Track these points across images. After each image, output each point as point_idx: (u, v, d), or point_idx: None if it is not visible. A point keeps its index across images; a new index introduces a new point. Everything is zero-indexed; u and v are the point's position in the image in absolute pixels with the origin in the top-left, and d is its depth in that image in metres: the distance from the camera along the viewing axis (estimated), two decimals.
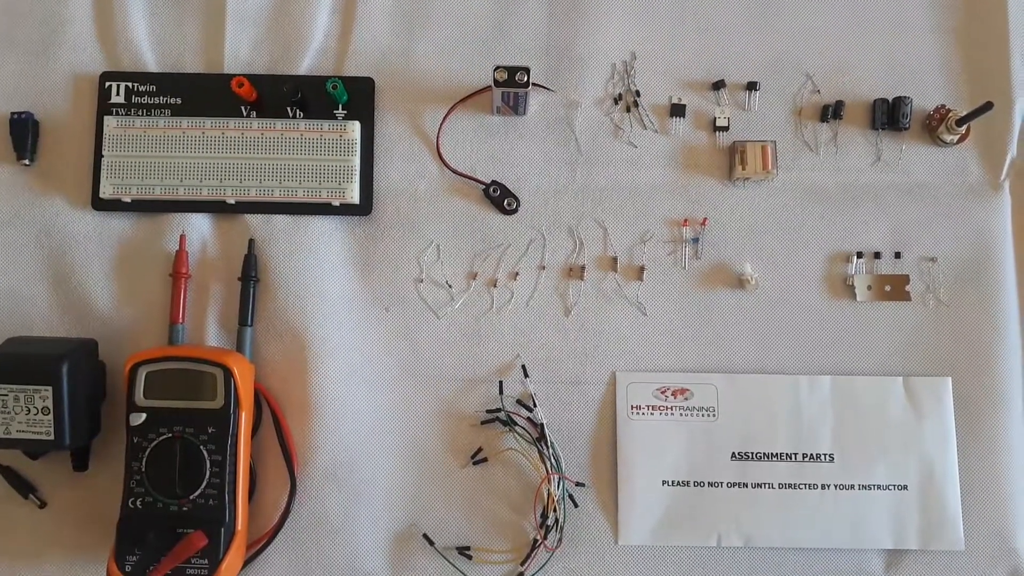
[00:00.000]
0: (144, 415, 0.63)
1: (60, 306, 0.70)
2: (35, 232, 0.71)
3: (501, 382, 0.71)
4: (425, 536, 0.69)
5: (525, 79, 0.69)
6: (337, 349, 0.70)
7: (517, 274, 0.73)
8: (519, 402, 0.70)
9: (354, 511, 0.69)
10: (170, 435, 0.63)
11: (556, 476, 0.68)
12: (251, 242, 0.71)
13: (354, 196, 0.72)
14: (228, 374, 0.64)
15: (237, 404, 0.64)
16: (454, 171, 0.73)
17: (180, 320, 0.70)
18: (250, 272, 0.70)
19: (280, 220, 0.72)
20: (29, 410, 0.62)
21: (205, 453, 0.63)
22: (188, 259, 0.71)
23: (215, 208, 0.72)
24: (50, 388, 0.62)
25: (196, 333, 0.70)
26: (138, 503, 0.63)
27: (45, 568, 0.68)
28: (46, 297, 0.70)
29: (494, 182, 0.73)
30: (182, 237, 0.71)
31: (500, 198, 0.73)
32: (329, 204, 0.72)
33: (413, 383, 0.71)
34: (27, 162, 0.72)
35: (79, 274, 0.71)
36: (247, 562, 0.66)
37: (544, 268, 0.73)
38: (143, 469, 0.63)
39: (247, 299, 0.70)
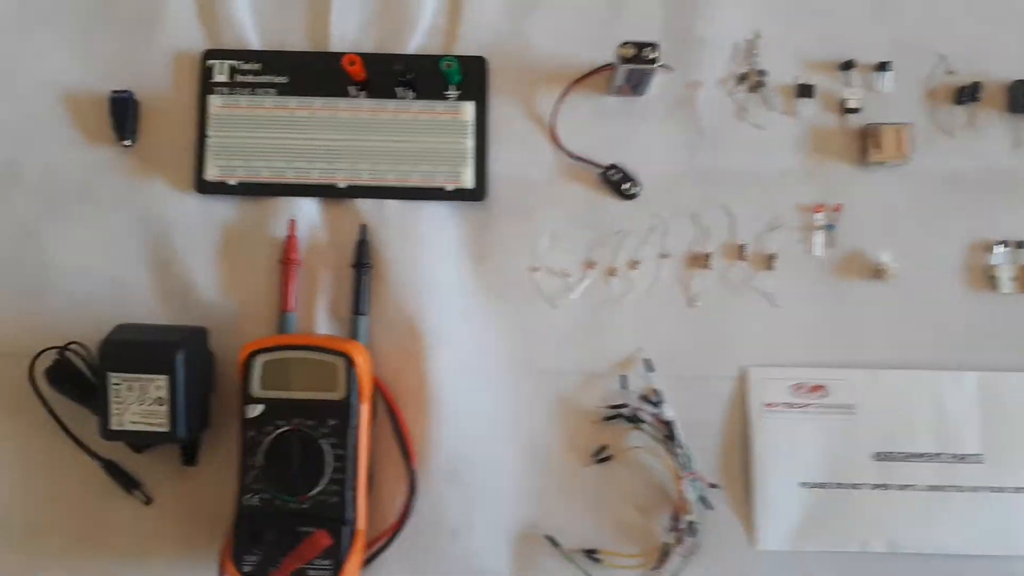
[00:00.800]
0: (261, 407, 0.60)
1: (163, 293, 0.67)
2: (136, 216, 0.68)
3: (624, 376, 0.67)
4: (548, 538, 0.65)
5: (653, 56, 0.65)
6: (451, 340, 0.67)
7: (637, 263, 0.69)
8: (643, 398, 0.67)
9: (473, 510, 0.65)
10: (288, 428, 0.60)
11: (689, 476, 0.64)
12: (363, 227, 0.68)
13: (468, 180, 0.68)
14: (350, 363, 0.61)
15: (359, 395, 0.61)
16: (570, 154, 0.70)
17: (292, 308, 0.66)
18: (364, 259, 0.67)
19: (392, 205, 0.68)
20: (143, 400, 0.59)
21: (326, 447, 0.60)
22: (298, 245, 0.67)
23: (324, 192, 0.68)
24: (166, 377, 0.58)
25: (305, 322, 0.67)
26: (255, 500, 0.60)
27: (151, 567, 0.64)
28: (148, 283, 0.67)
29: (612, 166, 0.69)
30: (292, 221, 0.67)
31: (619, 182, 0.69)
32: (442, 189, 0.68)
33: (530, 377, 0.67)
34: (127, 143, 0.69)
35: (183, 260, 0.68)
36: (364, 563, 0.63)
37: (666, 256, 0.69)
38: (260, 464, 0.60)
39: (361, 287, 0.67)
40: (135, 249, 0.68)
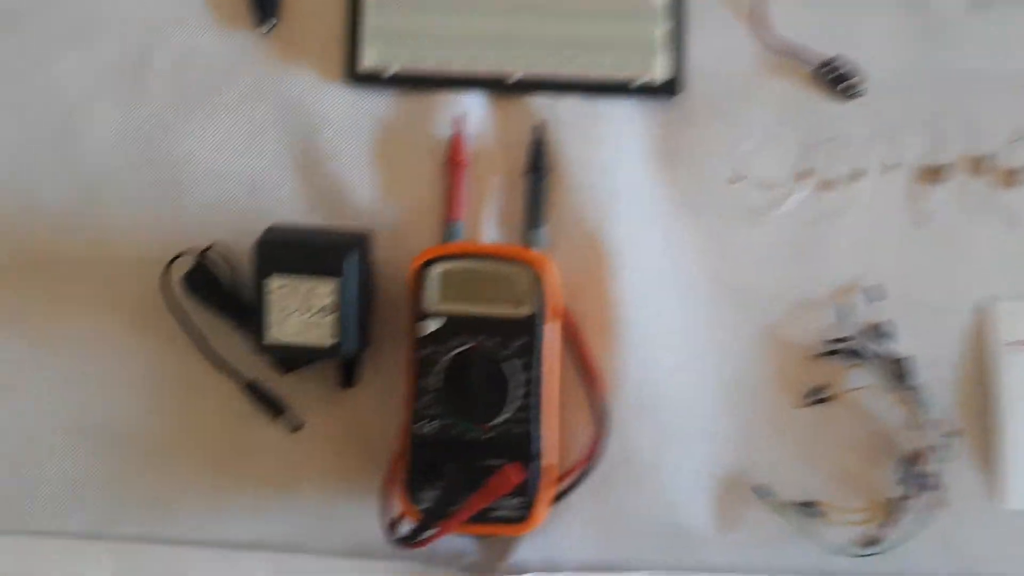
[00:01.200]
0: (438, 322, 0.52)
1: (309, 196, 0.59)
2: (280, 109, 0.60)
3: (842, 306, 0.57)
4: (756, 487, 0.56)
5: None
6: (638, 257, 0.58)
7: (858, 174, 0.59)
8: (867, 331, 0.57)
9: (668, 452, 0.56)
10: (469, 346, 0.52)
11: (927, 422, 0.55)
12: (539, 127, 0.59)
13: (659, 74, 0.59)
14: (538, 276, 0.52)
15: (546, 312, 0.52)
16: (781, 45, 0.59)
17: (459, 217, 0.58)
18: (540, 163, 0.58)
19: (570, 102, 0.59)
20: (307, 309, 0.51)
21: (511, 370, 0.51)
22: (466, 145, 0.59)
23: (494, 86, 0.59)
24: (335, 282, 0.50)
25: (472, 234, 0.58)
26: (429, 427, 0.52)
27: (298, 499, 0.57)
28: (293, 186, 0.59)
29: (830, 59, 0.59)
30: (461, 118, 0.59)
31: (838, 79, 0.59)
32: (628, 84, 0.59)
33: (730, 301, 0.58)
34: (269, 27, 0.60)
35: (332, 160, 0.59)
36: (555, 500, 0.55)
37: (892, 168, 0.59)
38: (436, 387, 0.51)
39: (538, 194, 0.58)
40: (278, 147, 0.60)
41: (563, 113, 0.59)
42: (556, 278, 0.54)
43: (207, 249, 0.56)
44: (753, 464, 0.57)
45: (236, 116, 0.60)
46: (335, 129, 0.59)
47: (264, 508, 0.57)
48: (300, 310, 0.51)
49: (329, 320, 0.51)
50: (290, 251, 0.51)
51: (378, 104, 0.60)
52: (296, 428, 0.57)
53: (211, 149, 0.60)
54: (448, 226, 0.58)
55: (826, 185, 0.59)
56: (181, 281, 0.56)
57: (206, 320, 0.57)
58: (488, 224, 0.59)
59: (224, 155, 0.60)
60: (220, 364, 0.57)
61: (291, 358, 0.55)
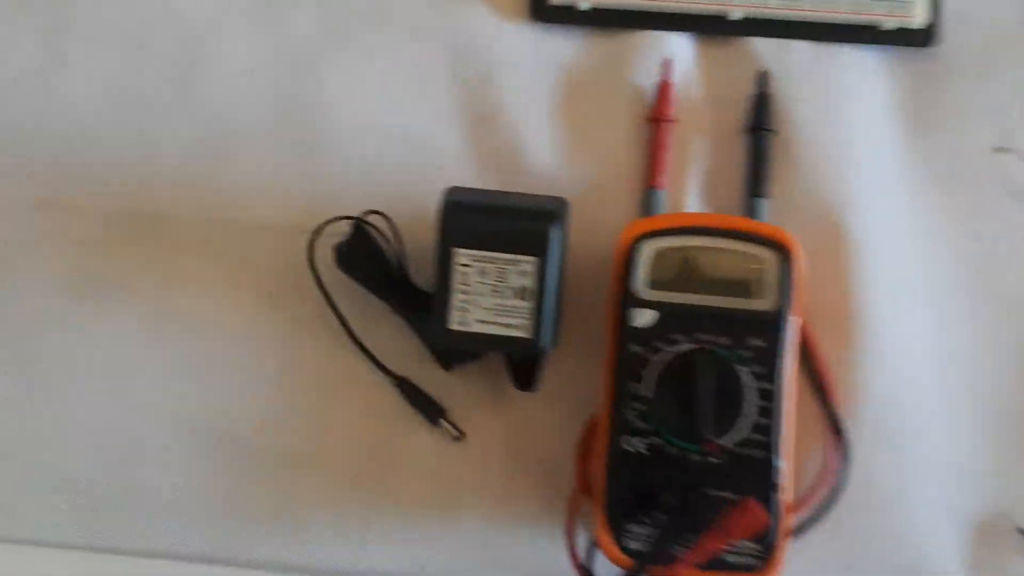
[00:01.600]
0: (654, 314, 0.42)
1: (479, 156, 0.49)
2: (448, 51, 0.50)
3: None
4: (1021, 530, 0.45)
5: None
6: (883, 243, 0.47)
7: None
8: None
9: (915, 485, 0.46)
10: (694, 347, 0.41)
11: None
12: (764, 75, 0.48)
13: (918, 16, 0.48)
14: (785, 260, 0.42)
15: (793, 307, 0.42)
16: None
17: (662, 184, 0.48)
18: (764, 120, 0.48)
19: (801, 48, 0.49)
20: (500, 291, 0.41)
21: (747, 378, 0.41)
22: (674, 97, 0.48)
23: (708, 26, 0.49)
24: (535, 261, 0.40)
25: (673, 205, 0.48)
26: (637, 445, 0.42)
27: (460, 524, 0.47)
28: (459, 142, 0.49)
29: None
30: (668, 62, 0.48)
31: None
32: (876, 27, 0.48)
33: (995, 304, 0.47)
34: None
35: (509, 111, 0.49)
36: None
37: None
38: (649, 395, 0.42)
39: (761, 159, 0.47)
40: (444, 95, 0.50)
41: (793, 61, 0.48)
42: (802, 264, 0.43)
43: (369, 214, 0.47)
44: (1019, 503, 0.46)
45: (394, 58, 0.50)
46: (513, 75, 0.49)
47: (415, 534, 0.48)
48: (490, 293, 0.41)
49: (525, 307, 0.41)
50: (483, 220, 0.41)
51: (567, 46, 0.50)
52: (458, 437, 0.48)
53: (362, 96, 0.50)
54: (647, 195, 0.48)
55: None
56: (334, 252, 0.47)
57: (355, 302, 0.48)
58: (692, 194, 0.48)
59: (378, 104, 0.50)
60: (369, 355, 0.48)
61: (469, 351, 0.45)
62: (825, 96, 0.48)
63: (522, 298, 0.41)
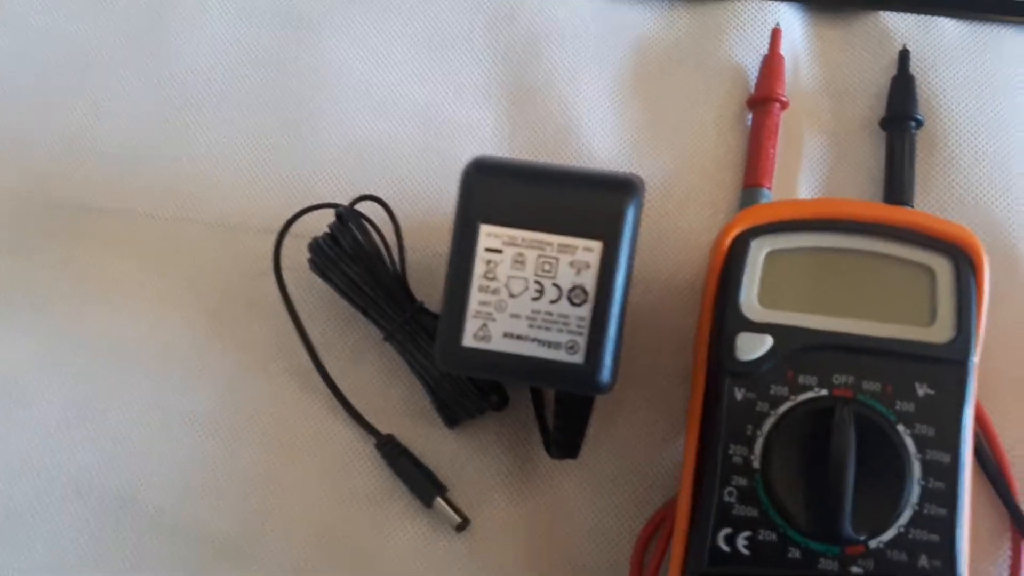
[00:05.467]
0: (768, 341, 0.28)
1: (520, 140, 0.37)
2: (483, 12, 0.39)
3: None
4: None
5: None
6: None
7: None
8: None
9: None
10: (828, 394, 0.27)
11: None
12: (904, 54, 0.36)
13: None
14: (966, 271, 0.28)
15: (979, 337, 0.28)
16: None
17: (765, 182, 0.35)
18: (907, 108, 0.35)
19: (948, 27, 0.37)
20: (542, 289, 0.27)
21: (911, 444, 0.27)
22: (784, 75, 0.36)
23: None
24: (600, 248, 0.27)
25: None
26: (740, 543, 0.27)
27: None
28: (494, 122, 0.38)
29: None
30: (776, 32, 0.36)
31: None
32: None
33: None
34: None
35: (560, 88, 0.37)
36: None
37: None
38: (759, 464, 0.27)
39: (903, 156, 0.35)
40: (476, 67, 0.38)
41: (937, 41, 0.37)
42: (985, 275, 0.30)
43: (361, 201, 0.34)
44: None
45: (415, 17, 0.39)
46: (570, 48, 0.38)
47: None
48: (528, 295, 0.27)
49: (580, 318, 0.27)
50: (524, 188, 0.27)
51: (641, 15, 0.38)
52: (461, 525, 0.33)
53: (366, 61, 0.39)
54: (746, 196, 0.35)
55: None
56: (309, 251, 0.34)
57: (332, 328, 0.35)
58: (800, 196, 0.35)
59: (388, 72, 0.38)
60: (343, 402, 0.34)
61: (488, 390, 0.31)
62: (981, 83, 0.36)
63: (575, 303, 0.27)
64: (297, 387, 0.35)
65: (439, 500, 0.33)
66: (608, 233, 0.27)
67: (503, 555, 0.33)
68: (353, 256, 0.33)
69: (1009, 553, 0.31)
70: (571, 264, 0.27)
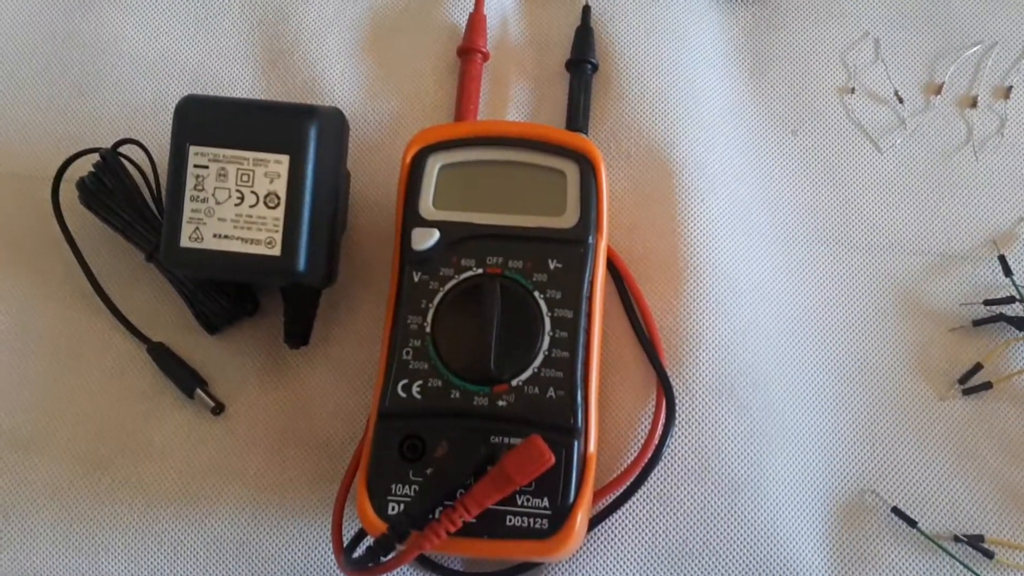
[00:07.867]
0: (435, 234, 0.35)
1: (273, 94, 0.43)
2: None
3: (1003, 257, 0.41)
4: (898, 511, 0.38)
5: None
6: (715, 184, 0.42)
7: (1010, 89, 0.44)
8: None
9: (761, 457, 0.38)
10: (482, 272, 0.35)
11: None
12: (587, 9, 0.44)
13: None
14: (588, 172, 0.36)
15: (599, 225, 0.36)
16: None
17: (470, 118, 0.42)
18: (585, 53, 0.43)
19: None
20: (242, 196, 0.34)
21: (544, 306, 0.34)
22: (485, 30, 0.44)
23: None
24: (286, 160, 0.34)
25: None
26: (414, 390, 0.34)
27: (214, 515, 0.38)
28: (251, 81, 0.44)
29: None
30: None
31: None
32: None
33: (842, 253, 0.42)
34: None
35: (304, 44, 0.44)
36: (592, 524, 0.36)
37: None
38: (429, 329, 0.34)
39: (580, 93, 0.42)
40: (235, 31, 0.45)
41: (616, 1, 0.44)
42: (604, 177, 0.37)
43: (121, 144, 0.40)
44: (887, 478, 0.39)
45: None
46: (313, 12, 0.45)
47: (154, 541, 0.38)
48: (231, 202, 0.34)
49: (273, 218, 0.34)
50: (226, 115, 0.34)
51: None
52: (216, 410, 0.39)
53: (144, 30, 0.45)
54: None
55: (968, 103, 0.44)
56: (78, 188, 0.40)
57: (112, 257, 0.41)
58: None
59: (159, 39, 0.45)
60: (119, 316, 0.40)
61: (211, 280, 0.37)
62: (654, 32, 0.44)
63: (270, 207, 0.34)
64: (82, 308, 0.41)
65: (198, 391, 0.39)
66: (293, 149, 0.34)
67: (256, 434, 0.39)
68: (112, 190, 0.39)
69: (654, 401, 0.38)
70: (265, 175, 0.34)
